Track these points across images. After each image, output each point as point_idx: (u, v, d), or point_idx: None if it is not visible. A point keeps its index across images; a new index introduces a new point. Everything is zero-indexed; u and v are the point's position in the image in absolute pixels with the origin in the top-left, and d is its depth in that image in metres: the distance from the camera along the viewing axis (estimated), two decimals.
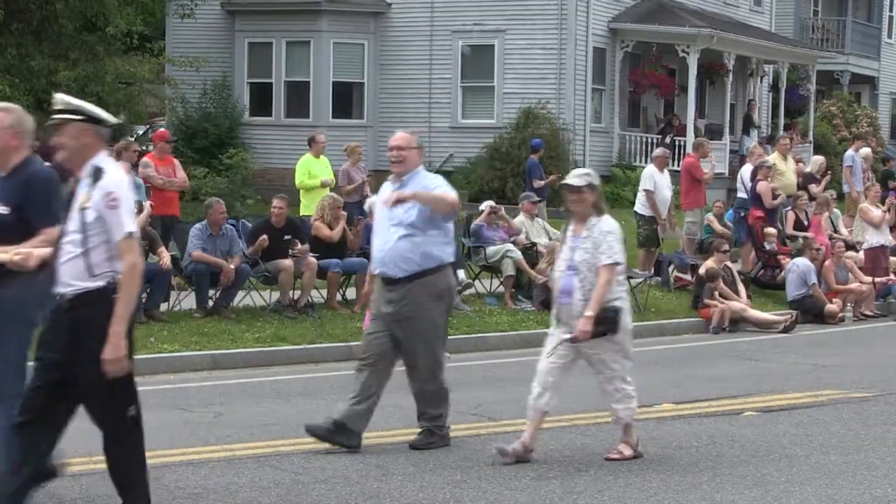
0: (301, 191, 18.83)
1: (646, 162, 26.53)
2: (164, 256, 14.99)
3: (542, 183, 21.99)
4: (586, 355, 8.91)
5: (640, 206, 20.09)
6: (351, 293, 16.58)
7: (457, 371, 13.64)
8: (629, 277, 18.32)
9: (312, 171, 18.91)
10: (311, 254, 15.83)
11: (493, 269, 17.72)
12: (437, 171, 28.06)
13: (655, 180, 19.92)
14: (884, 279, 19.91)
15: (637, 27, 30.07)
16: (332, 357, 14.22)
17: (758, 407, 11.23)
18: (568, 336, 8.78)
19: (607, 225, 8.88)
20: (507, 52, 28.90)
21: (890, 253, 20.51)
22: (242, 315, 15.45)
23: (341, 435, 8.99)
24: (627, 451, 8.96)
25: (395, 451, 9.13)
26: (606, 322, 8.70)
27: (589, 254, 8.77)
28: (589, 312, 8.65)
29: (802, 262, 19.07)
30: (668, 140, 28.88)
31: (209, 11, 29.69)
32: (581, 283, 8.76)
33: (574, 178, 8.99)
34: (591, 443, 9.57)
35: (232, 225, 16.02)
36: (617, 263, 8.80)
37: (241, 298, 15.90)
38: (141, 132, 31.58)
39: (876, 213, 20.38)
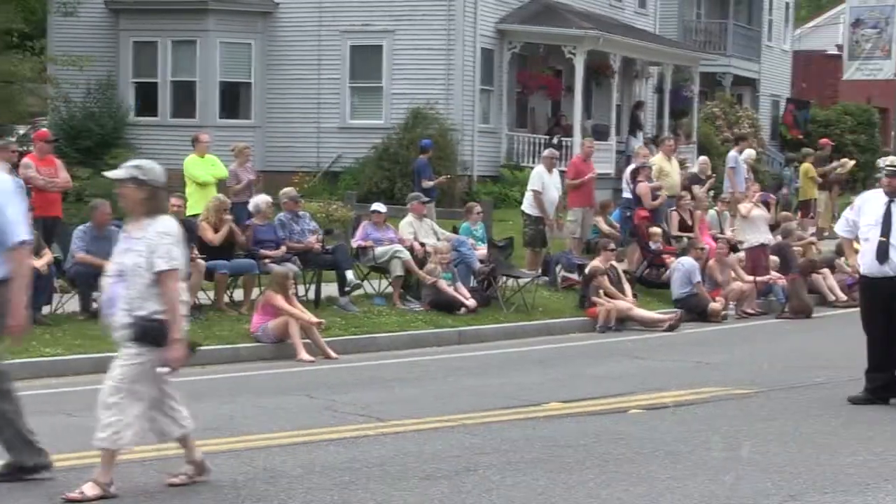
0: (189, 191, 18.65)
1: (533, 162, 26.71)
2: (44, 258, 14.69)
3: (431, 183, 22.03)
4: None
5: (528, 206, 20.27)
6: (238, 294, 16.45)
7: (345, 372, 13.65)
8: (516, 277, 18.54)
9: (198, 170, 18.77)
10: (199, 255, 15.68)
11: (381, 269, 17.72)
12: (326, 172, 28.27)
13: (544, 181, 20.12)
14: (765, 278, 20.28)
15: (524, 28, 30.26)
16: (219, 359, 14.09)
17: (643, 405, 11.38)
18: (164, 369, 7.78)
19: (163, 225, 7.79)
20: (395, 53, 28.91)
21: (770, 252, 20.90)
22: None
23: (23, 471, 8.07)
24: (92, 492, 7.67)
25: (284, 453, 9.08)
26: (151, 334, 7.69)
27: (142, 258, 7.70)
28: (176, 335, 7.65)
29: (687, 261, 19.36)
30: (555, 140, 29.11)
31: (92, 9, 29.28)
32: (127, 291, 7.73)
33: (121, 168, 7.97)
34: (480, 442, 9.61)
35: (117, 226, 15.78)
36: (176, 268, 7.76)
37: None
38: (22, 132, 30.98)
39: (746, 208, 20.79)
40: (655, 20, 37.57)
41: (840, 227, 12.37)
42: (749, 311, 19.68)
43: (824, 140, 32.47)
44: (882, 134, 41.95)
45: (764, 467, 8.83)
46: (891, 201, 11.43)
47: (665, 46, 34.90)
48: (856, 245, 12.08)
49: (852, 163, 30.49)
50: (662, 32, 37.58)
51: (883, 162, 11.98)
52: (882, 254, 11.35)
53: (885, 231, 11.34)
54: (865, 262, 11.53)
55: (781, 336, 17.77)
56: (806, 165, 28.83)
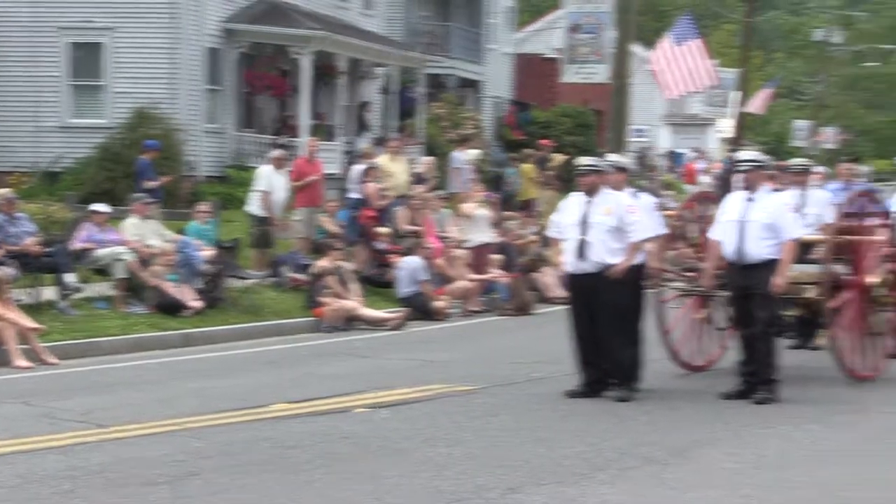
0: None
1: (261, 163, 26.58)
2: None
3: (154, 184, 21.63)
4: None
5: (255, 207, 20.19)
6: None
7: (66, 378, 13.30)
8: (243, 278, 18.43)
9: None
10: None
11: (104, 271, 17.31)
12: (45, 173, 27.36)
13: (271, 181, 20.10)
14: (488, 276, 20.77)
15: (251, 28, 30.05)
16: None
17: (370, 403, 11.51)
18: None
19: None
20: (117, 51, 28.23)
21: (493, 250, 21.43)
22: None
23: None
24: None
25: (2, 462, 8.79)
26: None
27: None
28: None
29: (413, 260, 19.65)
30: (282, 141, 29.04)
31: None
32: None
33: None
34: (205, 446, 9.53)
35: None
36: None
37: None
38: None
39: (469, 208, 21.34)
40: (382, 21, 37.90)
41: (550, 228, 12.85)
42: (473, 308, 20.11)
43: (544, 141, 33.51)
44: (598, 135, 43.50)
45: (485, 462, 9.07)
46: (588, 201, 11.93)
47: (390, 48, 35.25)
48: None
49: (562, 157, 31.56)
50: (388, 34, 37.94)
51: (578, 162, 12.48)
52: (581, 252, 11.83)
53: (584, 230, 11.82)
54: (569, 260, 12.01)
55: (503, 333, 18.25)
56: (527, 166, 29.65)
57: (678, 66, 29.03)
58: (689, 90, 30.85)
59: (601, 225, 11.78)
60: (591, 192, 11.94)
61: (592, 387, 11.89)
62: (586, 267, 11.81)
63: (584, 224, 11.83)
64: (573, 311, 12.07)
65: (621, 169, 12.61)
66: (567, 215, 12.10)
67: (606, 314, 11.75)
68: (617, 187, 12.21)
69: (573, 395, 11.86)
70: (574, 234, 11.89)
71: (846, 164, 18.65)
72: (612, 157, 13.19)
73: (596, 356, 11.90)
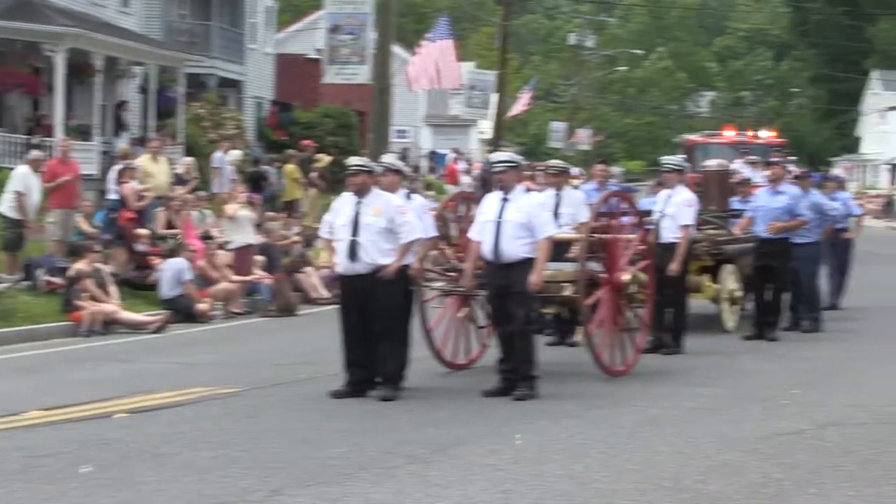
0: None
1: (13, 163, 25.72)
2: None
3: None
4: None
5: (7, 209, 19.57)
6: None
7: None
8: None
9: None
10: None
11: None
12: None
13: (27, 182, 19.56)
14: (250, 277, 20.63)
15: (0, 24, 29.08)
16: None
17: (129, 408, 11.29)
18: None
19: None
20: None
21: (256, 252, 21.29)
22: None
23: None
24: None
25: None
26: None
27: None
28: None
29: (175, 262, 19.36)
30: (36, 141, 28.17)
31: None
32: None
33: None
34: None
35: None
36: None
37: None
38: None
39: (231, 209, 21.21)
40: (140, 20, 37.14)
41: (321, 229, 12.84)
42: (236, 310, 19.94)
43: (307, 141, 33.46)
44: (360, 136, 43.67)
45: (248, 465, 9.00)
46: (359, 202, 11.97)
47: (149, 46, 34.61)
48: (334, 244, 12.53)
49: (329, 158, 31.65)
50: (147, 32, 37.22)
51: (349, 163, 12.55)
52: (352, 252, 11.87)
53: (355, 230, 11.87)
54: (340, 261, 12.03)
55: (267, 334, 18.17)
56: (290, 166, 29.56)
57: (425, 63, 29.52)
58: (432, 87, 31.29)
59: (372, 226, 11.81)
60: (360, 192, 11.97)
61: (357, 387, 11.92)
62: (358, 268, 11.84)
63: (354, 225, 11.85)
64: (343, 311, 12.07)
65: (395, 171, 12.67)
66: (338, 216, 12.09)
67: (378, 315, 11.80)
68: (391, 189, 12.29)
69: (338, 395, 11.87)
70: (345, 235, 11.90)
71: (600, 165, 19.17)
72: (387, 159, 13.24)
73: (365, 357, 11.92)
